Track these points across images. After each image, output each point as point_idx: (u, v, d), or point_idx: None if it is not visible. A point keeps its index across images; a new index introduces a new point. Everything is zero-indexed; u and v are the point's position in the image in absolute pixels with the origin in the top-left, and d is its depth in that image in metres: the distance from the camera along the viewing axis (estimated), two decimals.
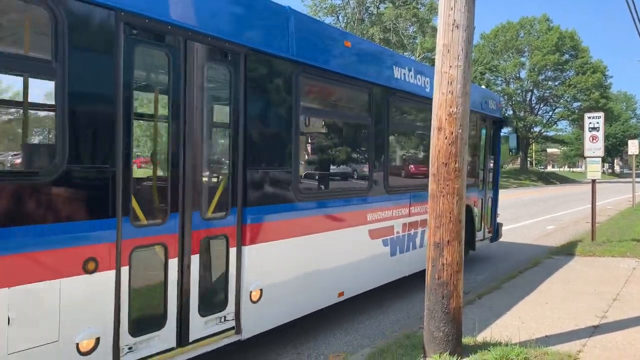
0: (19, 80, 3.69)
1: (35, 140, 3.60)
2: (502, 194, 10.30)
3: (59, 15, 3.19)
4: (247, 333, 4.55)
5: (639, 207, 20.37)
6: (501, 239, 10.78)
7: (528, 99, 60.69)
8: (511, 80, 61.27)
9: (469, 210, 8.64)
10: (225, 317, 4.42)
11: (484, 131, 9.54)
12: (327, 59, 5.55)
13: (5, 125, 3.62)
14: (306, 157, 5.82)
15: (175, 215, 4.00)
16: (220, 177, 4.56)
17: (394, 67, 6.80)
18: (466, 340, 4.71)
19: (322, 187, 6.03)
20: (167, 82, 4.04)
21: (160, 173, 4.21)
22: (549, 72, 60.01)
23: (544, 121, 62.40)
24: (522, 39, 59.55)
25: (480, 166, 9.44)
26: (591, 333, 5.28)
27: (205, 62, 4.23)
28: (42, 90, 3.55)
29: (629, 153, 20.78)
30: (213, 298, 4.35)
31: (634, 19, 12.33)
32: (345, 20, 45.73)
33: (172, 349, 3.98)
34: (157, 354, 3.86)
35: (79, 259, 3.32)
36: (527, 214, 18.80)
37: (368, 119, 6.36)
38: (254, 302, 4.59)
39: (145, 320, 3.83)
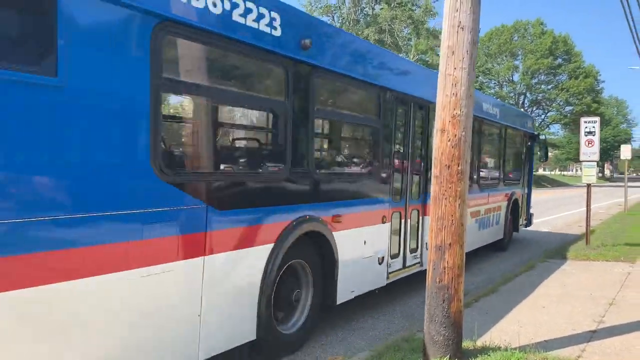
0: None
1: (370, 157, 6.82)
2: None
3: (382, 100, 6.52)
4: (424, 267, 7.33)
5: (631, 211, 20.49)
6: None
7: (521, 102, 60.92)
8: (504, 83, 61.55)
9: (516, 202, 12.03)
10: (416, 255, 7.52)
11: (524, 144, 12.82)
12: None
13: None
14: None
15: (404, 197, 7.18)
16: (417, 177, 7.67)
17: (497, 108, 10.76)
18: (466, 344, 4.67)
19: None
20: (404, 125, 7.32)
21: (398, 175, 7.12)
22: (542, 76, 60.34)
23: (536, 124, 62.66)
24: (516, 43, 59.81)
25: (522, 171, 12.83)
26: (589, 338, 5.27)
27: (416, 112, 7.53)
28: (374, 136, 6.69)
29: (622, 158, 20.89)
30: (413, 244, 7.47)
31: (630, 27, 12.34)
32: (340, 21, 45.69)
33: (400, 269, 7.09)
34: (395, 271, 6.94)
35: (381, 216, 6.49)
36: None
37: (497, 146, 10.83)
38: (426, 249, 7.35)
39: (394, 250, 6.94)
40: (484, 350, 4.59)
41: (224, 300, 4.12)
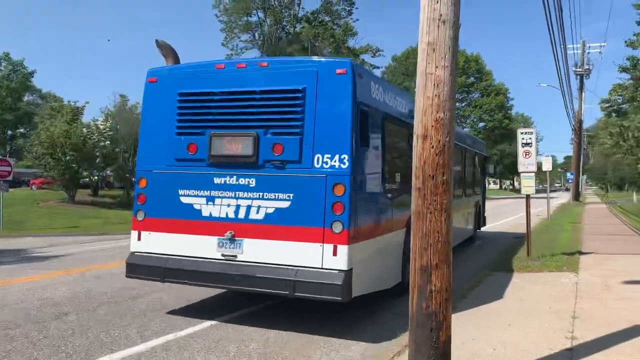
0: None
1: None
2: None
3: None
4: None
5: (554, 221, 21.19)
6: None
7: None
8: None
9: (480, 207, 16.31)
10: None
11: (482, 163, 17.13)
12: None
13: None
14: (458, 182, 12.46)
15: None
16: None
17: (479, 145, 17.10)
18: None
19: (456, 193, 11.64)
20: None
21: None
22: (456, 94, 62.75)
23: None
24: None
25: (481, 184, 17.30)
26: (570, 357, 4.95)
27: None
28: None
29: (544, 169, 21.67)
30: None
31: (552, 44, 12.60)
32: (261, 39, 45.26)
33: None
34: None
35: None
36: None
37: (470, 166, 14.85)
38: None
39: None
40: None
41: (394, 255, 7.59)
